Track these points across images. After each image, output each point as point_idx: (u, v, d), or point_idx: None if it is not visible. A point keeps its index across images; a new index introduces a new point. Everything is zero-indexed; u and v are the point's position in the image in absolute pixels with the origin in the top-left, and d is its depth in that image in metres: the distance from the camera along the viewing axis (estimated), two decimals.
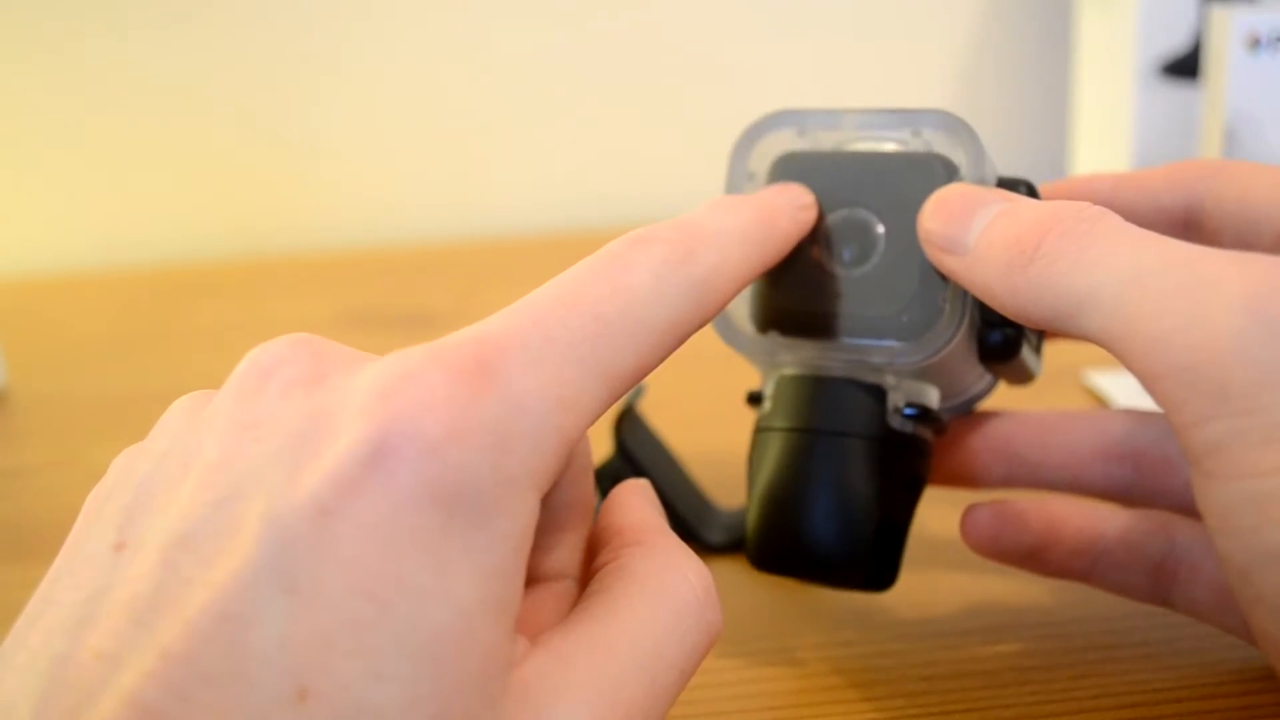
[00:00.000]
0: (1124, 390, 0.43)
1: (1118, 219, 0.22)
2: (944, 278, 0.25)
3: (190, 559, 0.16)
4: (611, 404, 0.20)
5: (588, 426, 0.19)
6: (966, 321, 0.25)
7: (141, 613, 0.16)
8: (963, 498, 0.29)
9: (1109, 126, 0.55)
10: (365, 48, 0.70)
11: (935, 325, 0.25)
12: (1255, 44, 0.43)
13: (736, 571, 0.33)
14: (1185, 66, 0.52)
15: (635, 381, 0.20)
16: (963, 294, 0.25)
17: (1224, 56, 0.43)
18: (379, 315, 0.60)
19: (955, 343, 0.25)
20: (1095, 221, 0.22)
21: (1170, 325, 0.20)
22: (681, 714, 0.28)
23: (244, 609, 0.15)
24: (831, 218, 0.27)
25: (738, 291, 0.23)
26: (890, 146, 0.27)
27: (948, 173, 0.26)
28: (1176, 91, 0.52)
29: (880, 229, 0.26)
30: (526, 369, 0.18)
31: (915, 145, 0.27)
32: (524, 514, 0.17)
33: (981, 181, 0.25)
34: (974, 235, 0.24)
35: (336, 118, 0.71)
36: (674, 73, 0.71)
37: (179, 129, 0.70)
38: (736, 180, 0.28)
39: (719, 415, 0.43)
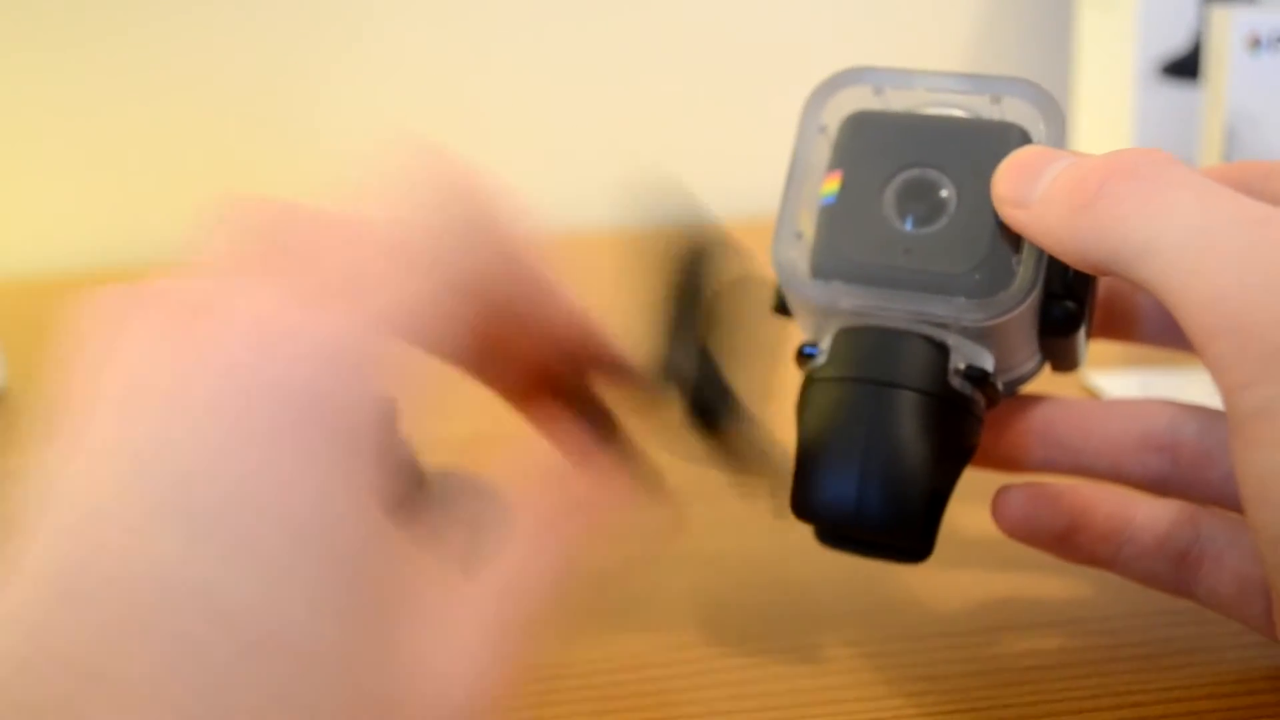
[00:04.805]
0: (1124, 392, 0.43)
1: (1186, 167, 0.22)
2: (1017, 245, 0.25)
3: None
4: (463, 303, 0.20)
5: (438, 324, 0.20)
6: (1038, 288, 0.25)
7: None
8: (965, 497, 0.29)
9: (1109, 127, 0.55)
10: (372, 46, 0.70)
11: (1008, 286, 0.25)
12: (1255, 44, 0.43)
13: (738, 573, 0.33)
14: (1185, 66, 0.51)
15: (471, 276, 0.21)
16: (1035, 260, 0.25)
17: (1224, 56, 0.43)
18: None
19: (1025, 305, 0.25)
20: (1164, 167, 0.22)
21: (1231, 284, 0.20)
22: (682, 714, 0.28)
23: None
24: (901, 177, 0.27)
25: None
26: (963, 114, 0.27)
27: (1023, 142, 0.26)
28: (1176, 92, 0.51)
29: (948, 193, 0.26)
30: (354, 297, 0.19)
31: (992, 113, 0.27)
32: (366, 403, 0.18)
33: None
34: (1042, 187, 0.24)
35: (341, 117, 0.71)
36: (673, 79, 0.71)
37: (180, 129, 0.70)
38: (808, 134, 0.28)
39: None
